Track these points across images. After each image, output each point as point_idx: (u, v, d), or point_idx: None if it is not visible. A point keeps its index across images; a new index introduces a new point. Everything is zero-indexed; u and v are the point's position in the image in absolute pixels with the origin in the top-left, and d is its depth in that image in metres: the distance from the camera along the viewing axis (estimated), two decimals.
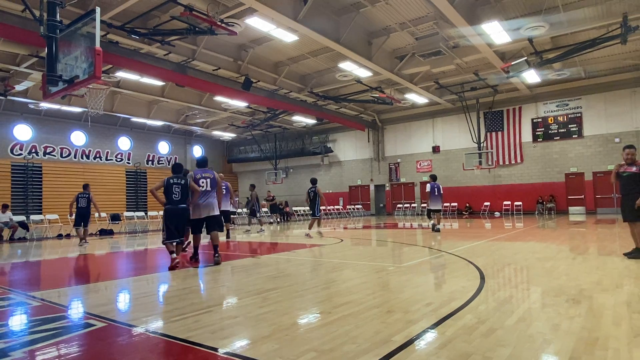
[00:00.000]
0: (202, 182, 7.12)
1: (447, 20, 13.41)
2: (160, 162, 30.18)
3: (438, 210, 13.04)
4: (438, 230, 12.36)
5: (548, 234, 11.27)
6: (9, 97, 18.65)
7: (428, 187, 12.97)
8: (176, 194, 6.95)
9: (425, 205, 13.04)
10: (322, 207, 12.98)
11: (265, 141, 31.49)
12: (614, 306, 3.79)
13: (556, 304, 3.91)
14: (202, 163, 7.58)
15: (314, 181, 12.65)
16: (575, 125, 21.44)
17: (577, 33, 15.15)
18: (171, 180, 6.99)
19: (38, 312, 4.22)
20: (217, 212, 7.33)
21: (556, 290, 4.47)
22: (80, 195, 11.81)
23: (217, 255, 7.15)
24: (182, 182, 7.02)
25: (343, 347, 2.89)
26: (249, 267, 6.81)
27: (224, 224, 11.98)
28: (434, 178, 13.35)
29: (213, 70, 17.34)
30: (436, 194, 12.89)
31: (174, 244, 6.96)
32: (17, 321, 3.93)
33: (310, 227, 12.55)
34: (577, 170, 21.41)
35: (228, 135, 31.97)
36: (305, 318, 3.79)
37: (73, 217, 12.03)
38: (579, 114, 21.35)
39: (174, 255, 6.85)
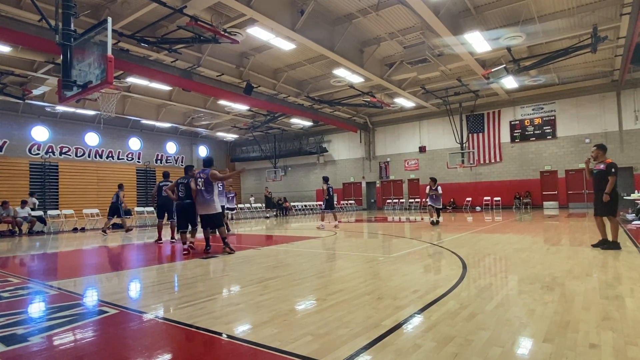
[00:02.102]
0: (199, 182, 7.26)
1: (433, 30, 13.42)
2: (168, 161, 30.03)
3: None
4: (437, 223, 12.71)
5: (524, 227, 11.34)
6: (27, 101, 18.48)
7: (440, 189, 12.89)
8: (181, 192, 7.63)
9: (430, 203, 12.94)
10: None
11: (266, 142, 31.39)
12: (584, 292, 3.82)
13: (531, 291, 3.94)
14: (204, 163, 7.58)
15: (327, 179, 13.11)
16: (549, 127, 21.54)
17: (552, 42, 15.21)
18: (179, 180, 7.74)
19: (55, 300, 4.20)
20: (212, 212, 7.25)
21: (531, 278, 4.50)
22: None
23: (208, 247, 7.41)
24: (186, 181, 7.63)
25: (337, 331, 2.90)
26: (250, 258, 6.80)
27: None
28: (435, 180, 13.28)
29: (217, 76, 17.25)
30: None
31: (185, 233, 7.70)
32: (36, 308, 3.91)
33: (334, 220, 13.08)
34: (551, 168, 21.53)
35: (231, 136, 31.87)
36: (302, 304, 3.79)
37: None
38: (553, 117, 21.45)
39: (184, 245, 7.58)
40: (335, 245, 8.41)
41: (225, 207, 13.01)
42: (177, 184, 7.75)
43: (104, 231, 12.91)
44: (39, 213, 15.93)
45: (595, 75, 19.63)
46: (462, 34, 13.30)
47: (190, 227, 7.77)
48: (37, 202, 17.07)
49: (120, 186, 13.72)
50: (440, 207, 13.09)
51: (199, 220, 7.64)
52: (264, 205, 23.97)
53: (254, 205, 25.27)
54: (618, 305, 3.39)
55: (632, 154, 19.27)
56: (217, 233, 7.61)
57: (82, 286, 4.95)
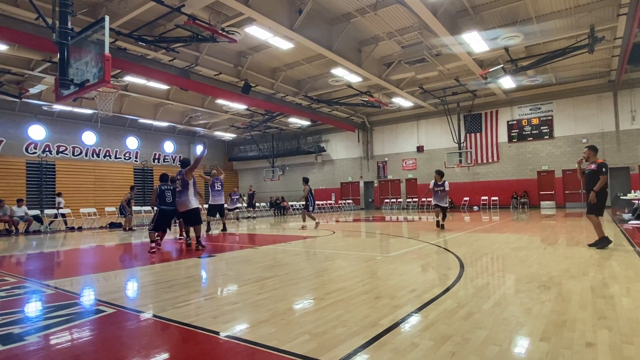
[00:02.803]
0: (177, 184, 7.90)
1: (431, 30, 13.43)
2: (165, 160, 29.97)
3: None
4: (442, 227, 10.84)
5: (522, 227, 11.37)
6: (23, 100, 18.39)
7: (447, 185, 11.08)
8: (168, 197, 7.93)
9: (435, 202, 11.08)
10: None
11: (264, 141, 31.38)
12: (580, 291, 3.84)
13: (528, 290, 3.95)
14: (182, 164, 8.17)
15: (308, 180, 12.98)
16: (546, 127, 21.61)
17: (549, 43, 15.26)
18: (162, 187, 7.97)
19: (52, 299, 4.18)
20: (190, 207, 7.75)
21: (528, 278, 4.51)
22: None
23: (197, 245, 7.79)
24: (172, 187, 7.99)
25: (335, 330, 2.90)
26: (248, 257, 6.79)
27: (220, 217, 12.47)
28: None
29: (215, 75, 17.22)
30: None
31: (154, 233, 7.90)
32: (32, 308, 3.89)
33: (303, 221, 12.87)
34: (548, 168, 21.60)
35: (229, 136, 31.82)
36: (300, 304, 3.79)
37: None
38: (550, 117, 21.52)
39: (153, 243, 7.80)
40: (333, 244, 8.41)
41: (227, 207, 13.11)
42: (161, 190, 7.93)
43: (130, 229, 13.87)
44: (67, 210, 16.18)
45: (592, 75, 19.70)
46: (460, 34, 13.32)
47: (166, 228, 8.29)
48: (63, 201, 17.11)
49: (131, 188, 14.69)
50: (446, 205, 11.06)
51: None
52: (255, 205, 23.75)
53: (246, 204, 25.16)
54: (614, 304, 3.40)
55: (629, 154, 19.36)
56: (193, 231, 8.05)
57: (79, 285, 4.93)
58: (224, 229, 12.36)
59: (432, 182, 11.22)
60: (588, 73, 19.51)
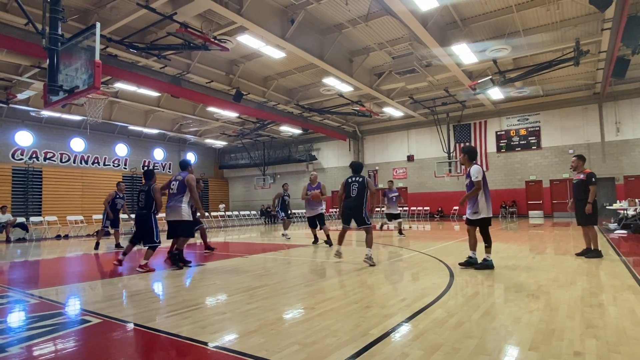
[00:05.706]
0: (172, 185, 6.67)
1: (421, 41, 13.62)
2: (155, 168, 29.68)
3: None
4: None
5: (510, 236, 11.46)
6: (11, 105, 18.14)
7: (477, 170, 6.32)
8: (141, 201, 6.74)
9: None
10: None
11: (255, 149, 31.31)
12: (568, 301, 3.87)
13: (517, 299, 3.97)
14: (181, 165, 6.93)
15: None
16: (534, 137, 21.97)
17: (536, 55, 15.56)
18: (141, 188, 6.86)
19: (36, 309, 4.08)
20: (179, 218, 6.51)
21: (517, 287, 4.54)
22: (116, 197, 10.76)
23: (180, 261, 6.63)
24: (146, 189, 6.70)
25: (325, 340, 2.88)
26: (237, 267, 6.73)
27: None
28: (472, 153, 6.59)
29: (206, 83, 17.21)
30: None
31: (133, 245, 6.84)
32: (16, 318, 3.79)
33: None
34: (536, 178, 21.90)
35: (220, 143, 31.70)
36: (290, 313, 3.76)
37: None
38: (538, 128, 21.89)
39: (122, 256, 6.82)
40: (323, 253, 8.38)
41: (392, 212, 11.77)
42: (139, 192, 6.86)
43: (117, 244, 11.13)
44: (21, 220, 15.60)
45: (578, 87, 20.13)
46: (450, 46, 13.54)
47: (141, 242, 6.78)
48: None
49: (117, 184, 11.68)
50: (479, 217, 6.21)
51: (158, 240, 6.68)
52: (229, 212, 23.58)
53: (227, 213, 25.07)
54: (601, 313, 3.44)
55: (614, 165, 19.73)
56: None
57: (64, 295, 4.83)
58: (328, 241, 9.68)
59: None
60: (574, 85, 19.94)
